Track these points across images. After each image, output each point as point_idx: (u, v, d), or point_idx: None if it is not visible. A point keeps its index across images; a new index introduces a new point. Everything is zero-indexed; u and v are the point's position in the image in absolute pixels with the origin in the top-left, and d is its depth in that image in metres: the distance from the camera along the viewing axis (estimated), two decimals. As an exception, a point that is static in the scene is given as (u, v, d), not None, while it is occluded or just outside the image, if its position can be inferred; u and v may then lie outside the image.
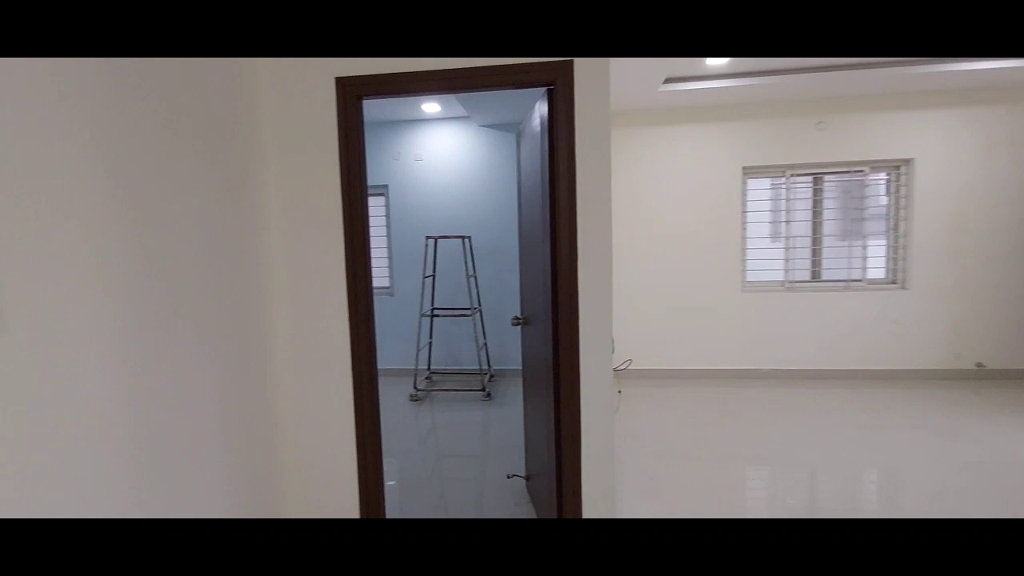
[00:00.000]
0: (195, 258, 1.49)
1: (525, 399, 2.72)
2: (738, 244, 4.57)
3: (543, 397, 2.21)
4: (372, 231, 5.25)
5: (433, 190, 4.99)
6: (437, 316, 4.83)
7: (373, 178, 5.05)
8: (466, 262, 4.52)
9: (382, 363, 5.13)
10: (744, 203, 4.60)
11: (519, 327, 2.62)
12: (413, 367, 4.60)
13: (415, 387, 4.43)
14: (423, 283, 4.61)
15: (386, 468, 3.06)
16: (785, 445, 3.18)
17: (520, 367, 5.06)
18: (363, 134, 1.97)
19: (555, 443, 1.99)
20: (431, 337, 4.92)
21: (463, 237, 4.51)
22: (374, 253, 5.25)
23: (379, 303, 5.17)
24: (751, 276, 4.68)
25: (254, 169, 1.82)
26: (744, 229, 4.61)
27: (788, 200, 4.61)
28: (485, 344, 4.94)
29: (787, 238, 4.63)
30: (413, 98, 4.27)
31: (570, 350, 1.90)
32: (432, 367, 5.01)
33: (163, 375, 1.36)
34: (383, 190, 5.12)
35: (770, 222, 4.78)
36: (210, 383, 1.54)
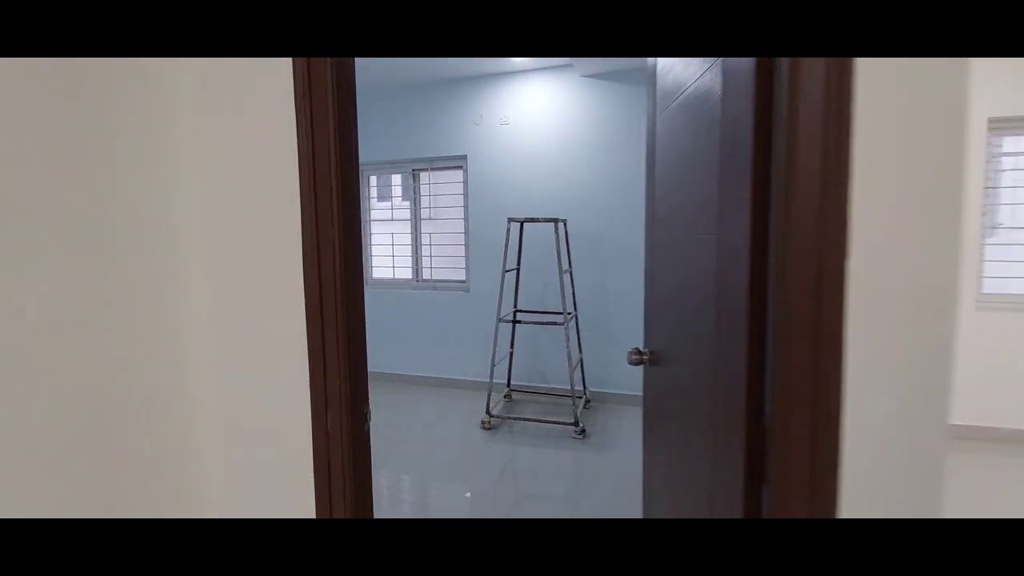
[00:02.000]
0: None
1: (647, 450, 1.58)
2: (975, 235, 3.01)
3: (687, 453, 1.12)
4: (447, 212, 4.36)
5: (521, 161, 3.95)
6: (520, 321, 3.81)
7: (449, 148, 4.13)
8: (559, 253, 3.43)
9: (451, 374, 4.27)
10: (989, 172, 3.02)
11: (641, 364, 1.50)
12: (487, 382, 3.61)
13: (488, 411, 3.47)
14: (503, 278, 3.59)
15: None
16: None
17: (627, 391, 3.90)
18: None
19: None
20: (512, 347, 3.92)
21: (556, 220, 3.42)
22: (448, 240, 4.35)
23: (452, 301, 4.28)
24: (990, 286, 3.09)
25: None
26: (984, 214, 3.03)
27: (1065, 169, 2.95)
28: (580, 360, 3.84)
29: (1061, 228, 2.98)
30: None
31: (816, 425, 0.79)
32: (512, 384, 4.02)
33: None
34: (461, 162, 4.18)
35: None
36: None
